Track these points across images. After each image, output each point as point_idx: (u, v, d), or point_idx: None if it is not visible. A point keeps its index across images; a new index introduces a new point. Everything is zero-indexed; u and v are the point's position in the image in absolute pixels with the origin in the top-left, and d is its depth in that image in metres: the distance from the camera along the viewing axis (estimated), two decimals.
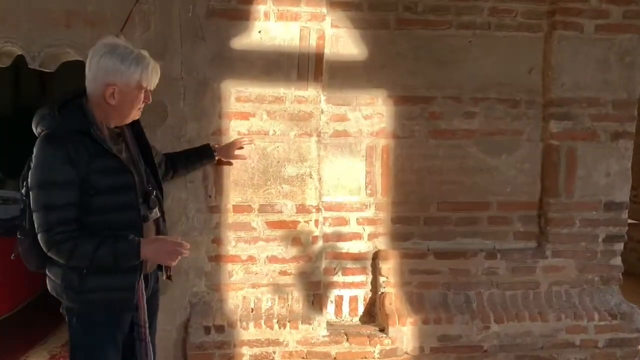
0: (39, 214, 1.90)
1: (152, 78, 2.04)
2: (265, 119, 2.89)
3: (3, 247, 2.79)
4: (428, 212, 3.14)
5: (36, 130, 1.99)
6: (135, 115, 2.09)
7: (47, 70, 2.90)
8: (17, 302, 4.02)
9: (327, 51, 2.96)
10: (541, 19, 3.10)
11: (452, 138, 3.12)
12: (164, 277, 2.31)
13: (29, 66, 2.75)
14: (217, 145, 2.77)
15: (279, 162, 2.91)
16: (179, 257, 2.05)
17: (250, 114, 2.88)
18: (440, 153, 3.12)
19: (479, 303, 3.07)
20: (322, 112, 2.99)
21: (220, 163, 2.83)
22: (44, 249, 1.93)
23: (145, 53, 2.03)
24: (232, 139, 2.84)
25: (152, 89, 2.08)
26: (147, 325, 2.10)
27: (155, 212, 2.16)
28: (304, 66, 2.87)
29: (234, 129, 2.88)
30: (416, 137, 3.10)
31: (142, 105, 2.10)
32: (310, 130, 2.92)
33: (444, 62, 3.08)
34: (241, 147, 2.81)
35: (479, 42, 3.09)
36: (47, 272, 2.06)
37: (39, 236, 1.92)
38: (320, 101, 2.94)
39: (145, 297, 2.10)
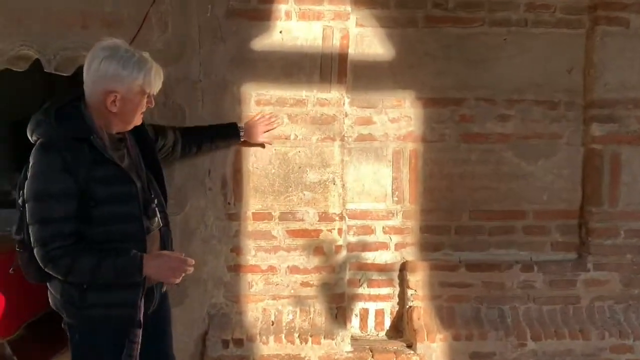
0: (35, 227, 1.81)
1: (155, 82, 1.94)
2: (286, 122, 2.77)
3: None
4: (459, 221, 2.98)
5: (32, 137, 1.89)
6: (137, 121, 2.00)
7: (64, 74, 2.82)
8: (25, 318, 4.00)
9: (352, 51, 2.84)
10: (582, 14, 2.91)
11: (485, 142, 2.96)
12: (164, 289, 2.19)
13: (45, 70, 2.69)
14: (242, 126, 2.66)
15: (300, 167, 2.79)
16: (183, 275, 1.94)
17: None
18: (473, 158, 2.96)
19: (515, 318, 2.90)
20: (345, 115, 2.86)
21: (245, 144, 2.73)
22: (41, 265, 1.84)
23: (146, 55, 1.93)
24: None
25: (155, 93, 1.98)
26: (139, 341, 1.95)
27: (158, 222, 2.06)
28: (326, 67, 2.75)
29: None
30: (446, 141, 2.95)
31: (145, 109, 2.00)
32: (334, 134, 2.79)
33: (476, 61, 2.92)
34: (267, 130, 2.70)
35: (514, 39, 2.92)
36: (48, 286, 1.98)
37: (35, 251, 1.83)
38: (343, 104, 2.81)
39: (142, 311, 1.95)
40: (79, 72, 2.82)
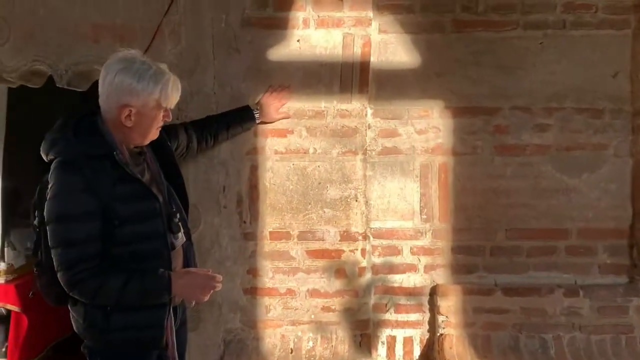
0: (58, 251, 1.75)
1: (173, 96, 1.87)
2: (304, 135, 2.63)
3: None
4: (495, 241, 2.77)
5: (47, 157, 1.82)
6: (154, 135, 1.92)
7: (79, 90, 2.76)
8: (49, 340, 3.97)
9: (374, 59, 2.68)
10: (628, 14, 2.69)
11: (521, 154, 2.75)
12: (192, 304, 2.11)
13: (57, 85, 2.63)
14: (256, 107, 2.53)
15: (320, 183, 2.64)
16: (212, 292, 1.89)
17: (288, 130, 2.63)
18: (508, 172, 2.75)
19: (558, 349, 2.66)
20: (368, 127, 2.70)
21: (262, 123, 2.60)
22: (66, 290, 1.78)
23: (164, 68, 1.85)
24: (265, 151, 2.62)
25: (172, 107, 1.89)
26: None
27: (181, 237, 1.98)
28: (347, 77, 2.60)
29: (271, 147, 2.64)
30: (479, 153, 2.75)
31: (163, 123, 1.91)
32: (355, 148, 2.63)
33: (510, 67, 2.73)
34: (283, 104, 2.58)
35: (551, 43, 2.72)
36: (70, 309, 1.90)
37: (59, 275, 1.76)
38: (366, 115, 2.66)
39: (174, 332, 1.91)
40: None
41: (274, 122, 2.59)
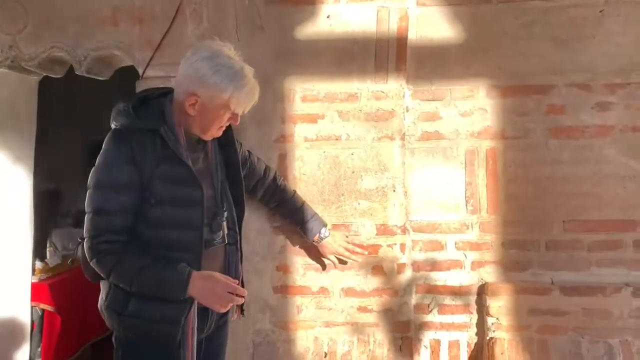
0: (88, 217, 1.74)
1: (245, 102, 1.80)
2: (336, 120, 2.45)
3: None
4: (551, 234, 2.52)
5: (112, 126, 1.82)
6: (216, 133, 1.86)
7: (100, 78, 2.65)
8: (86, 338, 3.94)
9: (412, 35, 2.48)
10: None
11: (580, 137, 2.49)
12: (234, 315, 2.06)
13: (76, 72, 2.53)
14: (326, 232, 2.33)
15: (354, 172, 2.45)
16: (230, 305, 1.80)
17: (318, 115, 2.46)
18: (565, 157, 2.50)
19: (627, 356, 2.39)
20: (406, 110, 2.50)
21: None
22: (87, 258, 1.76)
23: (248, 71, 1.78)
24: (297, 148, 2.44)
25: (241, 113, 1.83)
26: None
27: (222, 238, 1.88)
28: (382, 55, 2.40)
29: (300, 134, 2.47)
30: (532, 137, 2.51)
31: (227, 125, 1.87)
32: (392, 133, 2.43)
33: (566, 40, 2.48)
34: (346, 255, 2.38)
35: (613, 11, 2.45)
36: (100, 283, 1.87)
37: (84, 242, 1.76)
38: (403, 96, 2.46)
39: (196, 335, 1.78)
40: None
41: (322, 256, 2.40)
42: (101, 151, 1.75)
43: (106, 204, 1.72)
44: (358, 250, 2.38)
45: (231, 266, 1.93)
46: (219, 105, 1.76)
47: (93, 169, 1.75)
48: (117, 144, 1.74)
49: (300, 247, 2.47)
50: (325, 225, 2.34)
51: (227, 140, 1.96)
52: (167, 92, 1.86)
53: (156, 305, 1.75)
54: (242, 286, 1.93)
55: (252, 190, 2.30)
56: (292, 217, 2.35)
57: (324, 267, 2.45)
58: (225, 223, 1.91)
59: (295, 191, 2.36)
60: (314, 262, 2.47)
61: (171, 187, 1.75)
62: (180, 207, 1.77)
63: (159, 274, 1.72)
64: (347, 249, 2.36)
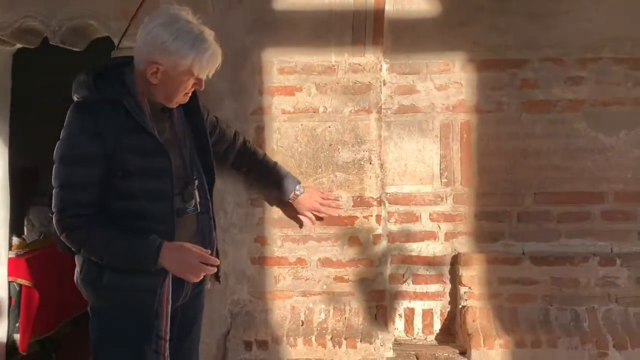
0: (55, 191, 1.72)
1: (207, 67, 1.74)
2: (313, 93, 2.46)
3: None
4: (522, 206, 2.59)
5: (73, 99, 1.79)
6: (181, 100, 1.82)
7: (75, 49, 2.61)
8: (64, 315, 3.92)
9: (389, 7, 2.49)
10: None
11: (552, 111, 2.55)
12: (209, 283, 2.05)
13: (50, 42, 2.49)
14: (301, 189, 2.37)
15: (331, 145, 2.47)
16: (203, 275, 1.78)
17: (296, 87, 2.47)
18: (537, 131, 2.56)
19: (593, 322, 2.48)
20: (383, 83, 2.52)
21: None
22: (57, 232, 1.74)
23: (208, 35, 1.73)
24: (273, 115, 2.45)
25: (205, 78, 1.77)
26: (168, 338, 1.78)
27: (194, 206, 1.86)
28: (359, 27, 2.41)
29: (277, 106, 2.48)
30: (505, 110, 2.56)
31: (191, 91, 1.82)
32: (369, 106, 2.45)
33: (541, 15, 2.52)
34: (323, 207, 2.42)
35: None
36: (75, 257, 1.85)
37: (53, 216, 1.74)
38: (380, 69, 2.48)
39: (170, 303, 1.78)
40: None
41: (300, 212, 2.42)
42: (64, 125, 1.73)
43: (72, 177, 1.70)
44: (333, 204, 2.43)
45: (205, 234, 1.92)
46: (182, 72, 1.72)
47: (58, 142, 1.72)
48: (80, 117, 1.71)
49: (278, 218, 2.49)
50: (299, 183, 2.37)
51: (192, 107, 1.92)
52: (128, 62, 1.81)
53: (131, 276, 1.74)
54: (216, 254, 1.94)
55: (223, 156, 2.30)
56: (266, 179, 2.38)
57: (301, 225, 2.47)
58: (196, 191, 1.89)
59: (265, 153, 2.38)
60: (291, 234, 2.49)
61: (138, 158, 1.73)
62: (148, 178, 1.75)
63: (129, 247, 1.72)
64: (322, 204, 2.40)
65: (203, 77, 1.76)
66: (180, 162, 1.84)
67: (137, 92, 1.75)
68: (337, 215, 2.45)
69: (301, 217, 2.44)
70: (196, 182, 1.89)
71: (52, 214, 1.78)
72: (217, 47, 1.74)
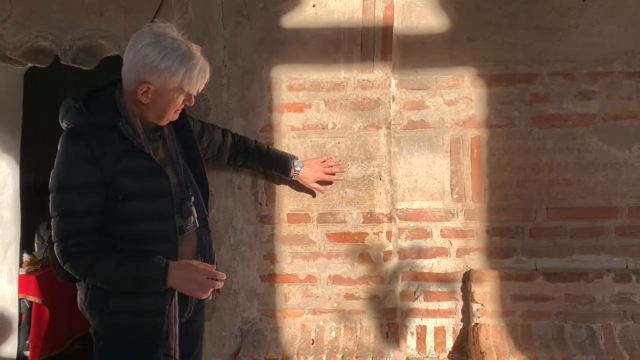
0: (56, 220, 1.70)
1: (197, 82, 1.74)
2: (322, 109, 2.45)
3: None
4: (535, 222, 2.55)
5: (62, 125, 1.77)
6: (171, 117, 1.81)
7: (85, 68, 2.63)
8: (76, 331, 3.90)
9: (398, 24, 2.48)
10: None
11: (563, 126, 2.52)
12: (211, 295, 1.97)
13: (61, 62, 2.50)
14: (300, 163, 2.37)
15: (340, 161, 2.46)
16: (211, 290, 1.77)
17: (305, 104, 2.47)
18: (549, 145, 2.53)
19: (609, 340, 2.42)
20: (392, 99, 2.51)
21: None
22: (60, 262, 1.71)
23: (195, 50, 1.73)
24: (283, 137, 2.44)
25: (196, 94, 1.76)
26: (177, 356, 1.78)
27: (193, 222, 1.85)
28: (368, 44, 2.41)
29: (287, 123, 2.48)
30: (516, 125, 2.53)
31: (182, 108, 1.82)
32: (378, 122, 2.44)
33: (550, 29, 2.50)
34: (328, 173, 2.42)
35: (596, 1, 2.48)
36: (77, 285, 1.82)
37: (54, 246, 1.71)
38: (389, 85, 2.47)
39: (178, 322, 1.78)
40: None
41: (307, 186, 2.41)
42: (58, 152, 1.70)
43: (72, 206, 1.67)
44: (336, 169, 2.42)
45: (205, 248, 1.92)
46: (172, 90, 1.71)
47: (52, 171, 1.70)
48: (75, 145, 1.68)
49: (288, 234, 2.48)
50: (296, 158, 2.36)
51: (181, 123, 1.91)
52: (114, 83, 1.79)
53: (137, 299, 1.72)
54: (215, 265, 1.92)
55: (218, 157, 2.29)
56: (263, 164, 2.36)
57: (313, 194, 2.46)
58: (193, 207, 1.88)
59: (255, 140, 2.36)
60: (301, 251, 2.48)
61: (137, 180, 1.71)
62: (149, 199, 1.73)
63: (136, 270, 1.69)
64: (326, 172, 2.40)
65: (193, 92, 1.76)
66: (176, 180, 1.84)
67: (128, 113, 1.74)
68: (342, 179, 2.44)
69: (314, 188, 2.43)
70: (192, 197, 1.88)
71: (50, 242, 1.75)
72: (205, 62, 1.74)
